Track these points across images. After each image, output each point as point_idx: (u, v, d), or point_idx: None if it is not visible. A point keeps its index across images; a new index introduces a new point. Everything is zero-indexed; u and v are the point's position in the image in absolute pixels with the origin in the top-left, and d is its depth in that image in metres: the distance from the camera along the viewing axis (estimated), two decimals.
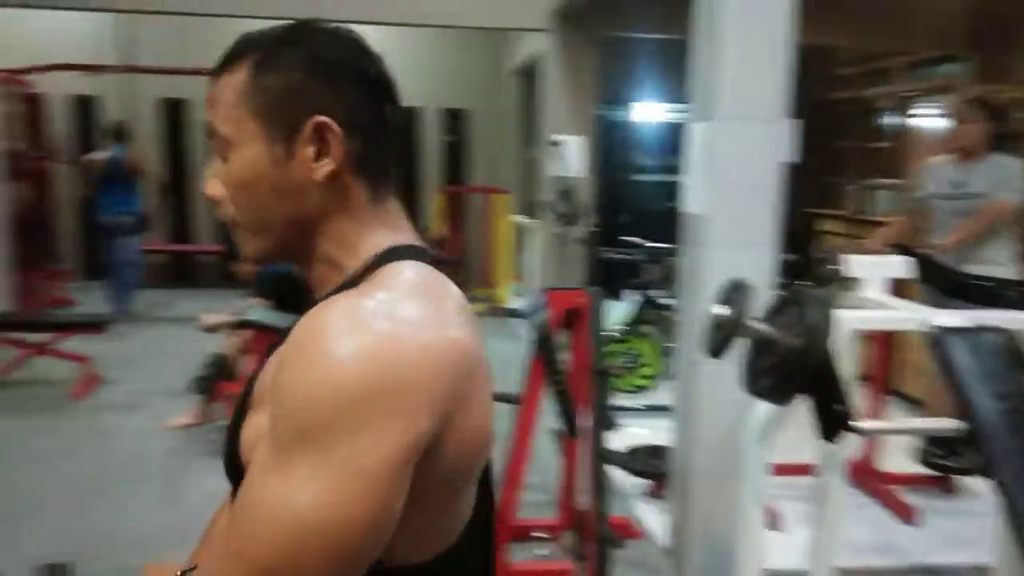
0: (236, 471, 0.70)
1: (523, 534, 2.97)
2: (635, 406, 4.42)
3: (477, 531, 0.74)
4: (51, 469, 3.60)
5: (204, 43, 7.33)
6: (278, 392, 0.63)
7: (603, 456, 2.62)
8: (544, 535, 2.97)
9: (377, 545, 0.64)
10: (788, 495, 3.06)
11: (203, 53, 7.21)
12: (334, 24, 0.77)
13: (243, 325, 3.85)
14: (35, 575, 2.37)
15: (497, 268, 7.42)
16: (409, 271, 0.71)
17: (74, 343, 4.76)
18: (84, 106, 7.89)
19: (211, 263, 7.98)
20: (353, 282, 0.72)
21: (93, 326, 4.57)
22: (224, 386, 3.96)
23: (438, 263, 0.75)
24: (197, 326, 4.05)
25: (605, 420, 2.76)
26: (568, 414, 2.70)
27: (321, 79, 0.73)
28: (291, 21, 0.77)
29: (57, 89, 7.54)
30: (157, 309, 6.91)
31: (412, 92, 7.85)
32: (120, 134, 6.67)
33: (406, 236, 0.78)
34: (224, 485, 0.77)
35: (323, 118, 0.72)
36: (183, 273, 8.20)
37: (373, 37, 0.80)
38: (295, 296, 4.17)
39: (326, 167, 0.73)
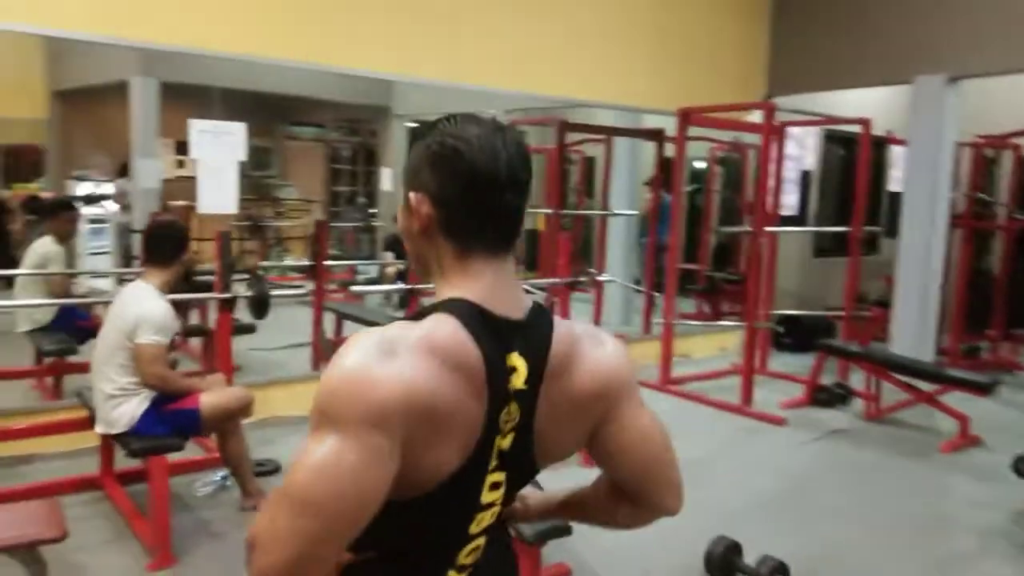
0: None
1: None
2: None
3: (450, 490, 0.96)
4: (893, 498, 3.96)
5: None
6: None
7: None
8: None
9: (353, 501, 0.86)
10: None
11: None
12: (475, 118, 1.00)
13: None
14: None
15: None
16: (429, 325, 0.94)
17: (962, 401, 4.88)
18: None
19: None
20: (424, 313, 0.98)
21: (978, 387, 4.58)
22: None
23: None
24: None
25: None
26: None
27: (428, 163, 0.99)
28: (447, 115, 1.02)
29: None
30: None
31: None
32: None
33: (468, 291, 0.98)
34: None
35: (415, 193, 1.00)
36: None
37: None
38: None
39: (417, 225, 1.01)
